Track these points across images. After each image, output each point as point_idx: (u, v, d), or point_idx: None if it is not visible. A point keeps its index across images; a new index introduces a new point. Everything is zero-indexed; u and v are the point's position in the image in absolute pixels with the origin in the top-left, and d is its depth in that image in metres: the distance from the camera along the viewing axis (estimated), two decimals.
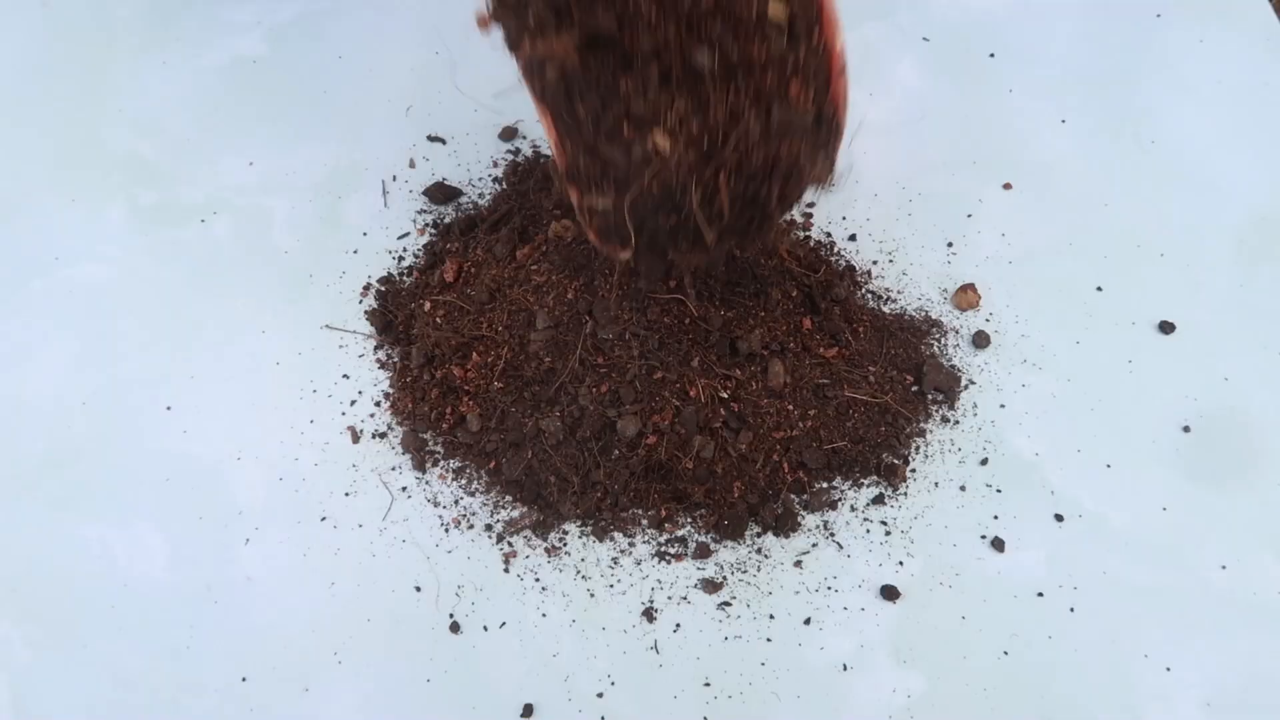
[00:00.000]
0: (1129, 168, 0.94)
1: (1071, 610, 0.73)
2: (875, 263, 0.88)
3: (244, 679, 0.70)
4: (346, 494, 0.77)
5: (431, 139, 0.95)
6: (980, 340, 0.84)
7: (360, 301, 0.86)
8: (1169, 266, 0.88)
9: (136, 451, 0.79)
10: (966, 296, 0.85)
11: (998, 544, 0.75)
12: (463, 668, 0.71)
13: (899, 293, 0.86)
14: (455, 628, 0.72)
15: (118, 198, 0.92)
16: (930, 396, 0.80)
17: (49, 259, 0.88)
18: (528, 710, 0.69)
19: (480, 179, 0.92)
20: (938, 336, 0.84)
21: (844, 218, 0.91)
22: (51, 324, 0.85)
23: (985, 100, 0.99)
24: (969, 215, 0.91)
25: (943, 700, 0.69)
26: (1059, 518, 0.76)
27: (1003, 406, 0.81)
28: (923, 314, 0.85)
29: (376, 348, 0.83)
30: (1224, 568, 0.74)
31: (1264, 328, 0.85)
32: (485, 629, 0.72)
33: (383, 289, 0.86)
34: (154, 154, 0.94)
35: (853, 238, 0.89)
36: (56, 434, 0.80)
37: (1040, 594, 0.73)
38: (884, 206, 0.91)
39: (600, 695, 0.70)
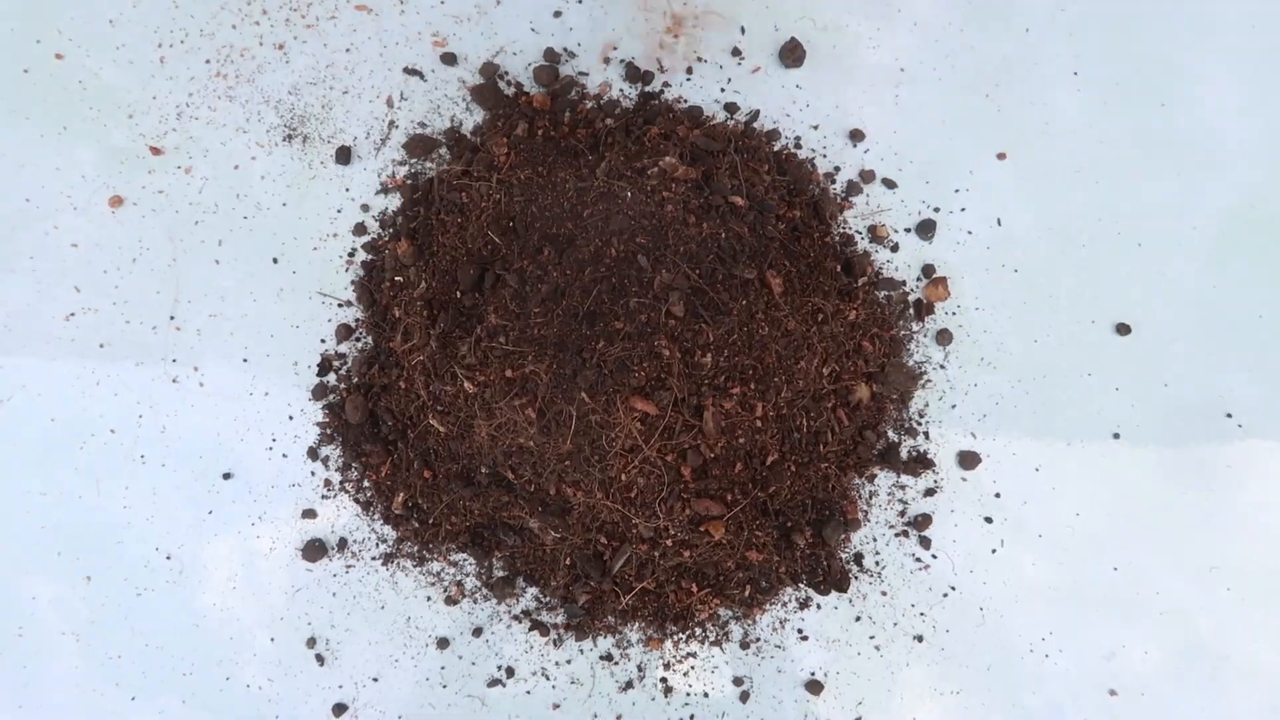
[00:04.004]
0: (1131, 136, 0.91)
1: (979, 607, 0.84)
2: (859, 245, 0.88)
3: (255, 655, 0.83)
4: (347, 467, 0.85)
5: (408, 71, 0.90)
6: (943, 338, 0.87)
7: (346, 269, 0.87)
8: (1144, 260, 0.89)
9: (127, 436, 0.84)
10: (937, 290, 0.88)
11: (924, 542, 0.85)
12: (462, 638, 0.83)
13: (876, 280, 0.88)
14: (450, 600, 0.83)
15: (89, 138, 0.88)
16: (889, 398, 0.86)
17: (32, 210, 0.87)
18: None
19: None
20: (904, 330, 0.87)
21: (837, 169, 0.90)
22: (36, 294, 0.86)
23: (1000, 40, 0.92)
24: (956, 190, 0.90)
25: (854, 681, 0.83)
26: (986, 520, 0.85)
27: (953, 407, 0.87)
28: (894, 306, 0.88)
29: (370, 325, 0.86)
30: (1115, 569, 0.85)
31: (1225, 332, 0.89)
32: (477, 600, 0.84)
33: (368, 257, 0.87)
34: (124, 84, 0.89)
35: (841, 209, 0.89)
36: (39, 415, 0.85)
37: (953, 588, 0.85)
38: (873, 173, 0.90)
39: None
